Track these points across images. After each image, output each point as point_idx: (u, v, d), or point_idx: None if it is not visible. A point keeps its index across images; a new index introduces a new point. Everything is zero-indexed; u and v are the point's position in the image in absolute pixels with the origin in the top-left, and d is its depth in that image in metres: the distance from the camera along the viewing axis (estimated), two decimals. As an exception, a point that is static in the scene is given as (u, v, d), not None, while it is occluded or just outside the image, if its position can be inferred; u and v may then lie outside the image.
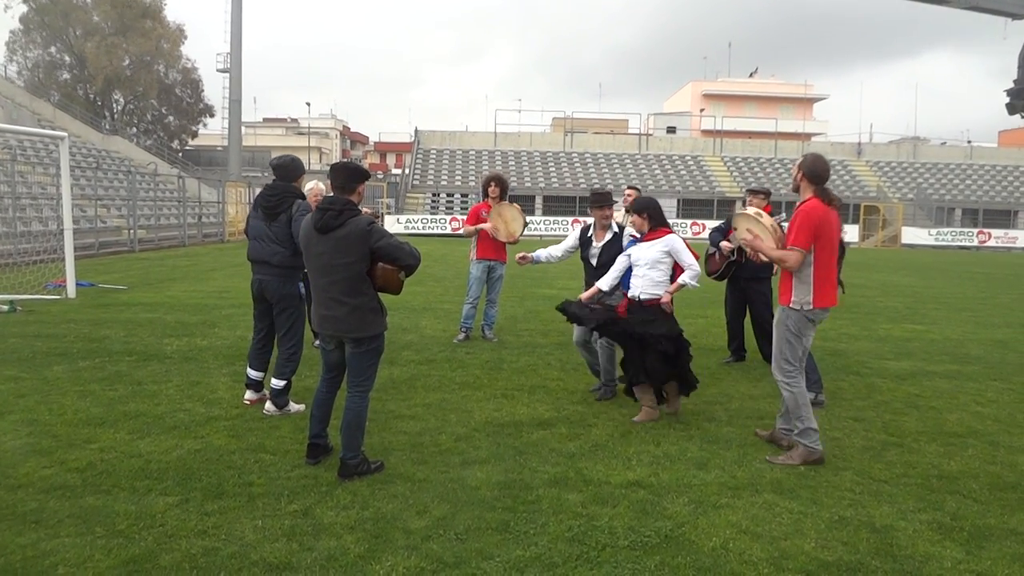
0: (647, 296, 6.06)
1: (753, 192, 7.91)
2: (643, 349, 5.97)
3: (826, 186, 5.15)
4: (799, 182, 5.18)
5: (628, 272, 6.27)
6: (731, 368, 8.12)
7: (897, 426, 6.08)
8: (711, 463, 5.09)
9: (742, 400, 6.76)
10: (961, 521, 4.27)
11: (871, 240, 43.04)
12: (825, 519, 4.24)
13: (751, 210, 5.63)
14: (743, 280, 8.08)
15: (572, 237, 7.15)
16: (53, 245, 14.73)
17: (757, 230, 5.40)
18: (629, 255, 6.29)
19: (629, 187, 9.45)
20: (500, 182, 9.07)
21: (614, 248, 6.68)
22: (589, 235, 6.96)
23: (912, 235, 42.34)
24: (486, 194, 9.10)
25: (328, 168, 4.81)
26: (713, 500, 4.47)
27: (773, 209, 7.86)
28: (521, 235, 8.95)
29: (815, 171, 5.14)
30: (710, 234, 8.44)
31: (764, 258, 5.48)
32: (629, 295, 6.19)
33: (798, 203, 5.18)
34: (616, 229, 6.83)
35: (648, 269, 6.09)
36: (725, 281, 8.31)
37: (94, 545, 3.73)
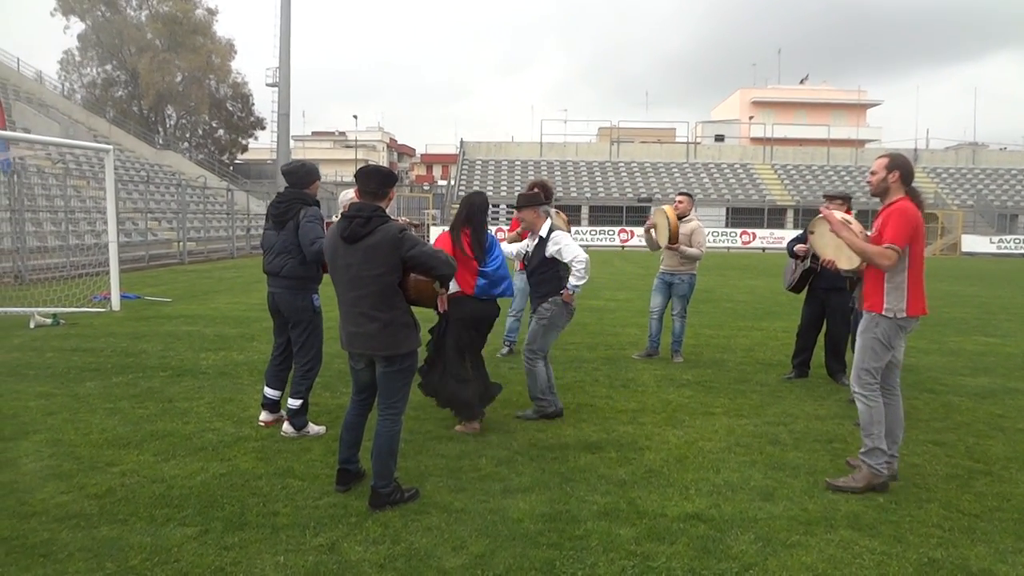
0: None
1: (831, 197, 7.33)
2: None
3: (914, 187, 4.73)
4: (891, 183, 4.71)
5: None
6: (792, 385, 7.59)
7: (983, 451, 5.52)
8: (778, 493, 4.62)
9: (807, 421, 6.25)
10: (1071, 565, 3.74)
11: (929, 248, 41.61)
12: (913, 561, 3.75)
13: (837, 213, 5.14)
14: (821, 290, 7.58)
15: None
16: (103, 258, 14.76)
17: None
18: None
19: (680, 194, 8.97)
20: (544, 188, 8.64)
21: (539, 253, 6.25)
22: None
23: (972, 243, 40.83)
24: None
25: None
26: (783, 537, 4.00)
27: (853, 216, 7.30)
28: None
29: (909, 170, 4.75)
30: (787, 244, 7.92)
31: (843, 267, 5.02)
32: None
33: (884, 206, 4.74)
34: (543, 234, 6.30)
35: None
36: (803, 292, 7.79)
37: (102, 583, 3.42)
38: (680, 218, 8.69)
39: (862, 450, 4.76)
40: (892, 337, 4.70)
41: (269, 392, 5.88)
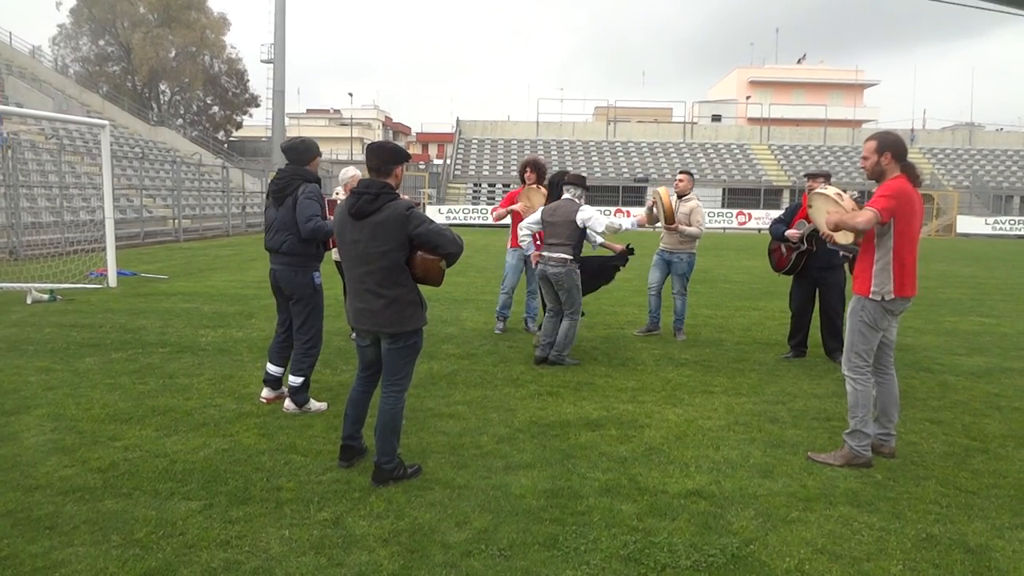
0: None
1: (812, 176, 7.36)
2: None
3: (909, 160, 4.71)
4: (884, 165, 4.67)
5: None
6: (790, 364, 7.63)
7: (979, 429, 5.57)
8: (777, 470, 4.66)
9: (806, 399, 6.30)
10: (1066, 541, 3.79)
11: (925, 229, 41.61)
12: (911, 537, 3.80)
13: (831, 190, 5.14)
14: (816, 270, 7.58)
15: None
16: (98, 234, 14.71)
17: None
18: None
19: (681, 172, 8.96)
20: (536, 167, 8.65)
21: None
22: None
23: (968, 224, 40.84)
24: (523, 180, 8.71)
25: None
26: (783, 513, 4.04)
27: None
28: None
29: (900, 147, 4.70)
30: (771, 226, 7.91)
31: (840, 241, 5.03)
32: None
33: (880, 187, 4.71)
34: None
35: None
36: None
37: (108, 556, 3.44)
38: (680, 196, 8.70)
39: (846, 430, 4.86)
40: (879, 319, 4.72)
41: (271, 368, 5.89)
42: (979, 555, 3.62)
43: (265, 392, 5.92)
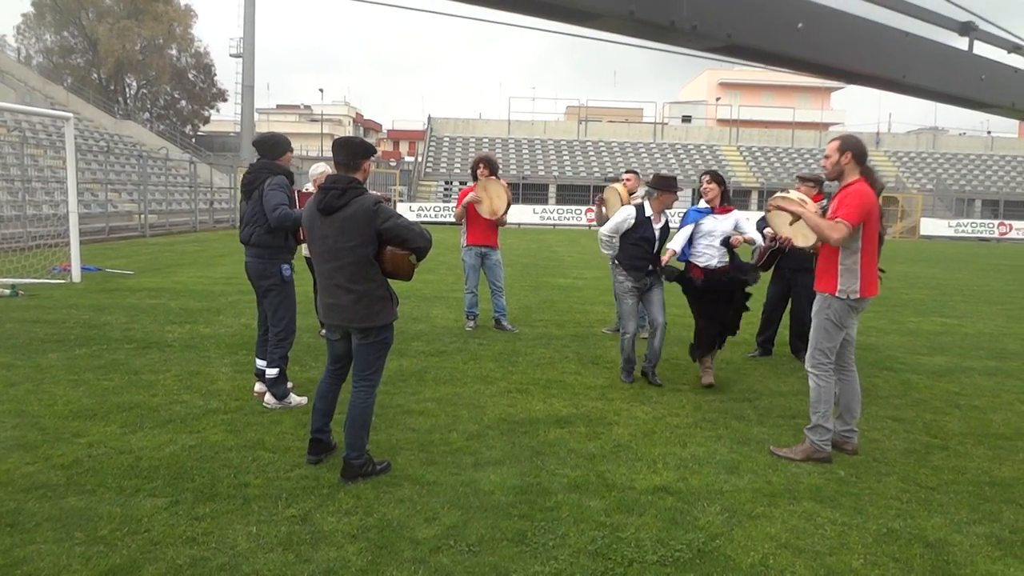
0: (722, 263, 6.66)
1: (803, 179, 7.36)
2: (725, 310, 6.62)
3: (869, 165, 4.79)
4: (843, 165, 4.76)
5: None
6: (757, 363, 7.73)
7: (939, 427, 5.69)
8: (743, 467, 4.72)
9: (771, 397, 6.38)
10: (1021, 534, 3.89)
11: (889, 231, 42.23)
12: (872, 531, 3.87)
13: (794, 194, 5.21)
14: (788, 270, 7.66)
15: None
16: (61, 229, 14.46)
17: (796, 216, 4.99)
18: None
19: (628, 171, 9.04)
20: (489, 163, 8.77)
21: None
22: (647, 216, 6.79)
23: (931, 226, 41.51)
24: (475, 177, 8.76)
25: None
26: (748, 509, 4.10)
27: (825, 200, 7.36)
28: (505, 214, 8.58)
29: (861, 150, 4.79)
30: (757, 223, 8.00)
31: (799, 244, 5.10)
32: (702, 264, 6.62)
33: (840, 188, 4.80)
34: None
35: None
36: (770, 271, 7.89)
37: (72, 553, 3.40)
38: (629, 194, 8.77)
39: (808, 426, 4.96)
40: (844, 317, 4.82)
41: (259, 363, 5.87)
42: (938, 549, 3.70)
43: (257, 387, 5.92)
